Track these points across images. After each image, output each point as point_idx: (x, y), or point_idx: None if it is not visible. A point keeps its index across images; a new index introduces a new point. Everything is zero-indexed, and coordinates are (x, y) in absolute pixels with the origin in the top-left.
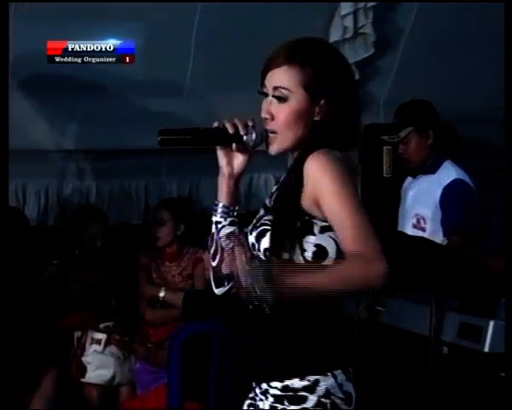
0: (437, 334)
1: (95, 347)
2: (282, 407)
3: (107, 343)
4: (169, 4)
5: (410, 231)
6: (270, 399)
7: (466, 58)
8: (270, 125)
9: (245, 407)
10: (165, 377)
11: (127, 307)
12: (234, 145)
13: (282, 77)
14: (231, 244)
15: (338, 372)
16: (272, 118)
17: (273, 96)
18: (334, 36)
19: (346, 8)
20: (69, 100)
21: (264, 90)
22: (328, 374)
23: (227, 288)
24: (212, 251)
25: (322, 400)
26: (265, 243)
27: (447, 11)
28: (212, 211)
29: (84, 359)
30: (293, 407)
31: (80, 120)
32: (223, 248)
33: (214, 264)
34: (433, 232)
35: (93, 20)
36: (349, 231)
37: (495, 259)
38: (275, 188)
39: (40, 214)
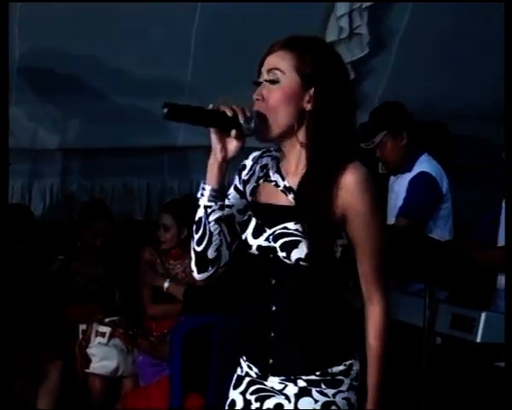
0: (431, 325)
1: (99, 339)
2: (318, 388)
3: (111, 336)
4: (169, 4)
5: None
6: (302, 383)
7: (458, 57)
8: (261, 107)
9: (243, 395)
10: (167, 369)
11: (131, 301)
12: (233, 132)
13: (276, 60)
14: None
15: (357, 354)
16: (263, 99)
17: (266, 80)
18: (331, 36)
19: (341, 9)
20: (72, 100)
21: (260, 79)
22: (356, 357)
23: (210, 273)
24: (198, 235)
25: (354, 383)
26: (299, 253)
27: (439, 11)
28: (199, 195)
29: (88, 351)
30: (329, 390)
31: (83, 119)
32: (211, 233)
33: (199, 249)
34: None
35: (95, 21)
36: (373, 261)
37: (484, 251)
38: (246, 174)
39: (45, 211)
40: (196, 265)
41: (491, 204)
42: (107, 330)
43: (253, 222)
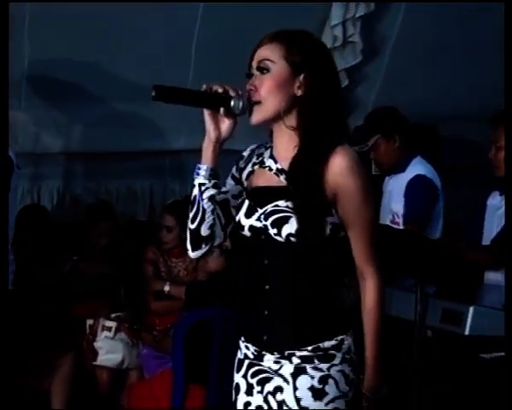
0: (422, 319)
1: (106, 333)
2: (312, 365)
3: (117, 330)
4: (170, 10)
5: None
6: (296, 360)
7: (449, 62)
8: (254, 96)
9: (245, 379)
10: (170, 362)
11: (135, 298)
12: (222, 110)
13: (266, 51)
14: None
15: (351, 332)
16: (256, 89)
17: (257, 69)
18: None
19: (335, 18)
20: (77, 106)
21: (251, 71)
22: (348, 333)
23: (204, 251)
24: (192, 213)
25: (346, 356)
26: (289, 228)
27: (428, 19)
28: (195, 175)
29: (95, 344)
30: (323, 365)
31: (87, 124)
32: (205, 210)
33: (193, 226)
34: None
35: (98, 29)
36: (365, 238)
37: (473, 251)
38: (243, 162)
39: (52, 213)
40: (190, 242)
41: (481, 203)
42: (112, 324)
43: (246, 203)
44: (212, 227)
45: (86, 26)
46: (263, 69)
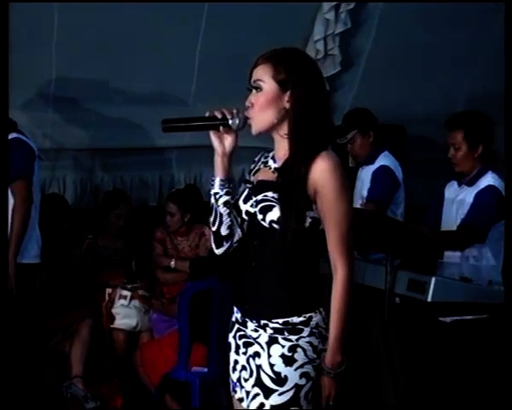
0: (391, 288)
1: (122, 301)
2: (282, 336)
3: (131, 299)
4: (175, 26)
5: None
6: (270, 331)
7: (413, 73)
8: (250, 112)
9: (234, 339)
10: (177, 325)
11: (146, 270)
12: (221, 128)
13: (259, 71)
14: None
15: (321, 309)
16: (252, 105)
17: (252, 87)
18: None
19: (317, 34)
20: (99, 109)
21: (250, 87)
22: (317, 311)
23: (226, 247)
24: (212, 218)
25: (314, 330)
26: (272, 216)
27: (399, 34)
28: (210, 186)
29: (113, 310)
30: (292, 336)
31: (107, 124)
32: (221, 214)
33: (214, 229)
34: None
35: (121, 38)
36: (337, 234)
37: (434, 232)
38: (254, 165)
39: (77, 199)
40: (214, 242)
41: (438, 191)
42: (128, 293)
43: (246, 192)
44: (230, 227)
45: (109, 35)
46: (256, 88)
